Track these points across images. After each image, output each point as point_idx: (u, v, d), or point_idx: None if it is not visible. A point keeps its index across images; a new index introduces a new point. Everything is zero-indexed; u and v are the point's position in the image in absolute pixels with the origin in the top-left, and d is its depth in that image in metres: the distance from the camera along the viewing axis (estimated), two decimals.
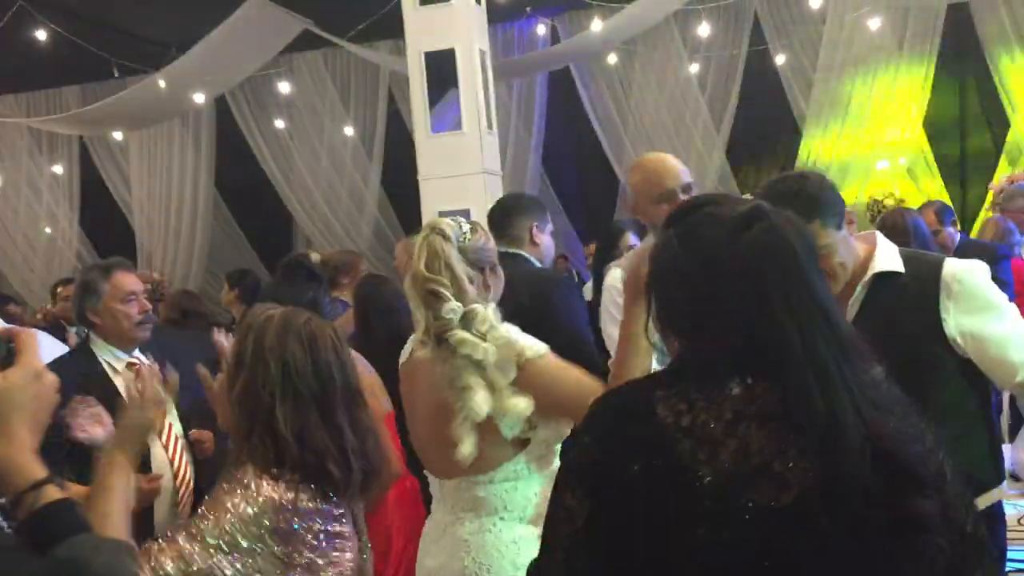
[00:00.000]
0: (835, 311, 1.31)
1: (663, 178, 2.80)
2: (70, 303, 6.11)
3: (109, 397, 2.98)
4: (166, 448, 3.07)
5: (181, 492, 3.08)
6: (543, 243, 3.49)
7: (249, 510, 1.71)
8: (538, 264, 3.49)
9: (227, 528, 1.68)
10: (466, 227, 2.25)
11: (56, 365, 3.09)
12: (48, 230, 10.83)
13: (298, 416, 1.79)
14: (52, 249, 10.81)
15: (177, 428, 3.12)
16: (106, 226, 10.82)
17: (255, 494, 1.72)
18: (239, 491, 1.73)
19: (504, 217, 3.53)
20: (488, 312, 2.12)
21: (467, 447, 2.06)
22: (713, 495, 1.24)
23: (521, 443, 2.15)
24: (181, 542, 1.68)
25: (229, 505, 1.71)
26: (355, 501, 1.90)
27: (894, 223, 4.43)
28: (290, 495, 1.74)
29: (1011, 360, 2.16)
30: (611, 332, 2.63)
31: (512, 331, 2.13)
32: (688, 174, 2.93)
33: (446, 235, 2.16)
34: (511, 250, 3.40)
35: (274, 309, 1.92)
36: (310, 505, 1.75)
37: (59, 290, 6.48)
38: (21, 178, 10.73)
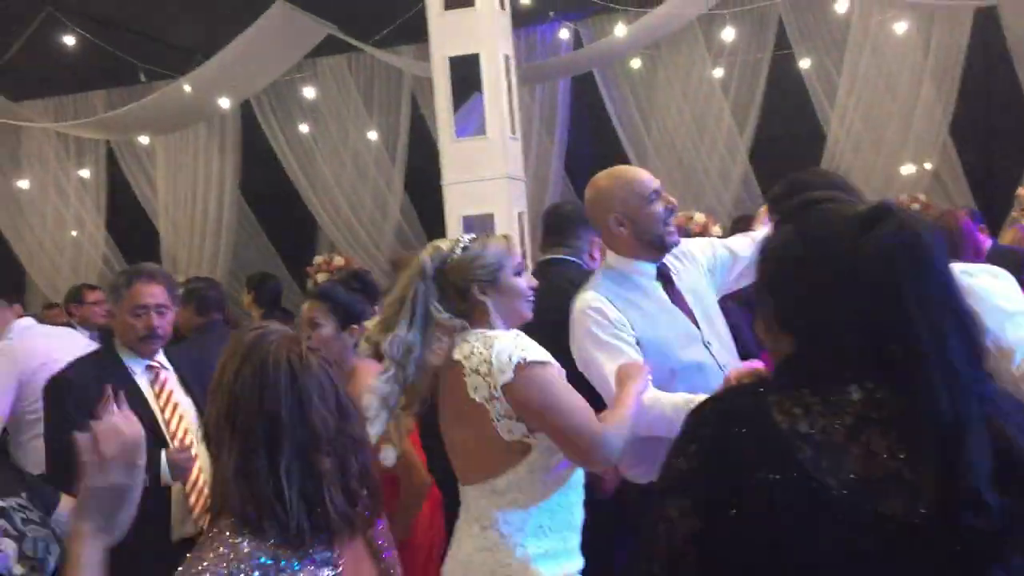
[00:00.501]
0: (968, 314, 1.23)
1: (644, 179, 2.77)
2: (98, 309, 6.21)
3: (132, 398, 3.01)
4: (183, 451, 3.06)
5: (194, 501, 3.06)
6: (598, 259, 3.49)
7: (224, 569, 1.50)
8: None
9: None
10: (460, 246, 2.32)
11: (81, 363, 3.14)
12: (75, 233, 10.93)
13: (242, 457, 1.56)
14: (78, 252, 10.91)
15: (194, 435, 3.10)
16: (132, 229, 10.91)
17: (231, 553, 1.51)
18: (219, 548, 1.53)
19: (565, 226, 3.56)
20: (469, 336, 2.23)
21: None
22: (841, 505, 1.17)
23: (523, 451, 2.17)
24: None
25: (206, 567, 1.51)
26: (340, 544, 1.63)
27: (947, 227, 4.35)
28: (269, 549, 1.52)
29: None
30: (595, 356, 2.61)
31: (510, 338, 2.20)
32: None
33: (423, 271, 2.28)
34: (569, 258, 3.49)
35: (260, 329, 1.69)
36: (294, 555, 1.53)
37: (87, 295, 6.50)
38: (49, 182, 10.84)
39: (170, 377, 3.21)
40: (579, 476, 2.27)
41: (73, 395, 2.92)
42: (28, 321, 4.01)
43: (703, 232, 6.87)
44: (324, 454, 1.58)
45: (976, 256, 4.38)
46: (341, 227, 10.24)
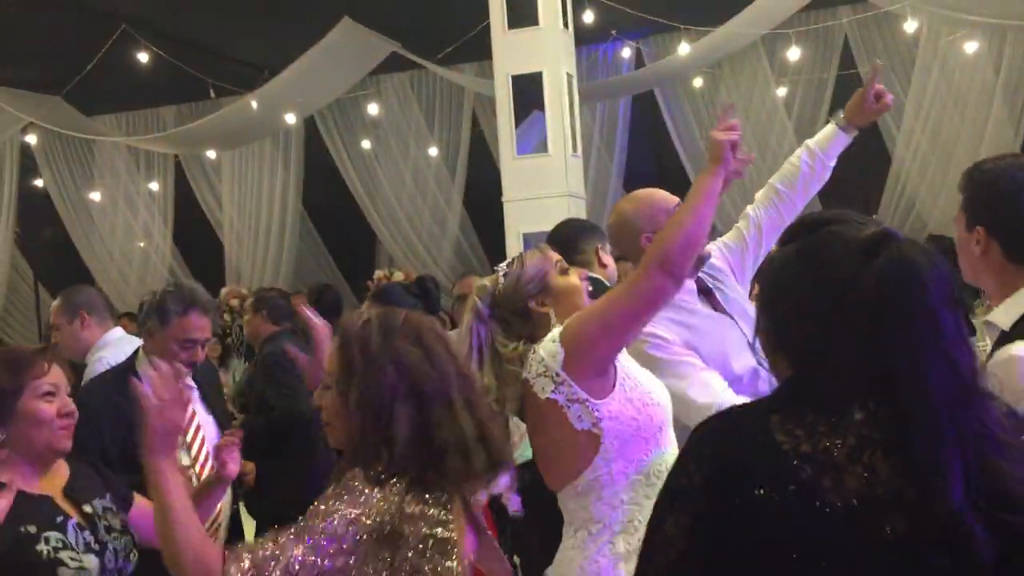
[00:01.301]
0: (958, 348, 1.22)
1: (665, 197, 2.81)
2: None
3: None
4: (193, 465, 3.05)
5: (217, 515, 3.00)
6: (610, 265, 3.53)
7: (355, 513, 1.66)
8: (608, 285, 3.48)
9: (334, 532, 1.65)
10: (501, 275, 2.37)
11: (103, 382, 3.10)
12: (142, 244, 11.20)
13: (421, 415, 1.74)
14: (146, 264, 11.17)
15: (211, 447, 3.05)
16: (197, 242, 11.15)
17: (362, 499, 1.68)
18: (346, 496, 1.69)
19: (570, 241, 3.54)
20: (534, 349, 2.24)
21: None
22: (842, 524, 1.19)
23: (595, 444, 2.18)
24: (284, 544, 1.65)
25: (337, 509, 1.67)
26: (474, 493, 1.83)
27: None
28: (396, 499, 1.68)
29: None
30: (667, 382, 2.52)
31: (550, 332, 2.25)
32: None
33: (479, 314, 2.32)
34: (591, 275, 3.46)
35: (366, 312, 1.88)
36: (416, 510, 1.69)
37: (234, 302, 6.48)
38: (119, 195, 11.12)
39: (193, 396, 3.14)
40: (664, 466, 2.21)
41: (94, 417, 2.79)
42: (119, 332, 3.89)
43: None
44: (458, 404, 1.78)
45: None
46: (400, 242, 10.34)
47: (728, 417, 1.39)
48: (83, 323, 3.76)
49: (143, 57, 8.35)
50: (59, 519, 2.11)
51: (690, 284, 2.73)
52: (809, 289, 1.29)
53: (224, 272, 10.91)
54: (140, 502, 2.36)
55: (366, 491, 1.69)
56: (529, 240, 6.33)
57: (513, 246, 6.37)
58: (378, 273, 9.84)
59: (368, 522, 1.66)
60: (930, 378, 1.20)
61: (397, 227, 10.37)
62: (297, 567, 1.62)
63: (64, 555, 2.07)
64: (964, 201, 2.06)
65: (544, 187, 6.34)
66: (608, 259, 3.53)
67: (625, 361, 2.27)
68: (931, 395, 1.20)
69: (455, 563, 1.70)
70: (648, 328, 2.58)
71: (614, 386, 2.20)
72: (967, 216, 2.04)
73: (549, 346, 2.19)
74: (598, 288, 3.38)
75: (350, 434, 1.78)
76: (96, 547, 2.14)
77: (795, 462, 1.22)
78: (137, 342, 3.51)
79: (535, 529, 3.06)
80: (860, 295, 1.24)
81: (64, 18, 8.04)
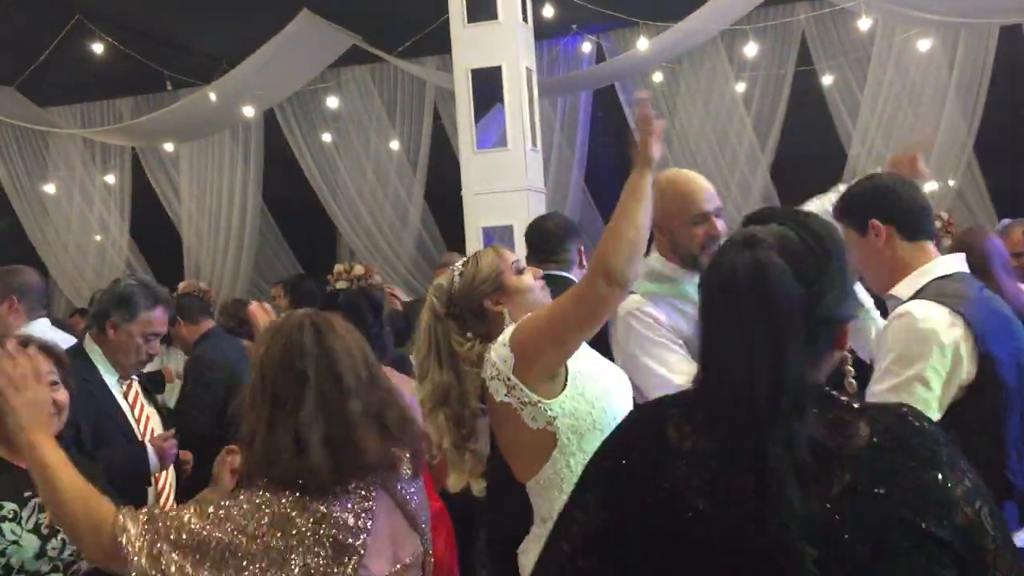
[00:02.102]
0: (790, 358, 1.21)
1: (699, 199, 2.75)
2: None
3: (111, 407, 3.06)
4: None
5: (162, 501, 3.08)
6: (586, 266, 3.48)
7: (240, 519, 1.68)
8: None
9: (224, 538, 1.66)
10: (457, 273, 2.39)
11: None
12: (99, 238, 11.05)
13: (269, 418, 1.74)
14: (102, 257, 11.02)
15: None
16: (155, 235, 11.02)
17: (246, 504, 1.69)
18: (231, 502, 1.71)
19: (554, 242, 3.52)
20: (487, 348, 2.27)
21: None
22: (702, 526, 1.21)
23: (551, 441, 2.20)
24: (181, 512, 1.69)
25: (224, 514, 1.69)
26: (379, 485, 1.82)
27: (971, 244, 4.27)
28: (276, 501, 1.69)
29: None
30: (645, 362, 2.60)
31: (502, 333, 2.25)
32: (717, 197, 2.81)
33: (435, 312, 2.35)
34: (561, 273, 3.44)
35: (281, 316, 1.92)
36: (295, 511, 1.69)
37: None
38: (75, 187, 10.96)
39: (134, 384, 3.23)
40: None
41: None
42: (45, 324, 3.78)
43: None
44: (354, 398, 1.75)
45: (1006, 271, 4.27)
46: (361, 236, 10.30)
47: (644, 406, 1.46)
48: (10, 307, 3.65)
49: (99, 48, 8.24)
50: (26, 494, 2.22)
51: (689, 273, 2.73)
52: (702, 286, 1.36)
53: (183, 266, 10.80)
54: None
55: (246, 494, 1.71)
56: (490, 233, 6.35)
57: (473, 240, 6.38)
58: (338, 267, 9.83)
59: (249, 525, 1.66)
60: (753, 381, 1.21)
61: (358, 220, 10.32)
62: (193, 533, 1.64)
63: (6, 526, 2.18)
64: (848, 217, 2.38)
65: (504, 181, 6.36)
66: (587, 261, 3.47)
67: (578, 355, 2.27)
68: (755, 396, 1.20)
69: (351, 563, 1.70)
70: (645, 306, 2.63)
71: (566, 384, 2.22)
72: (856, 220, 2.35)
73: (500, 350, 2.21)
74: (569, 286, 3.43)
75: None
76: (46, 531, 2.23)
77: (675, 459, 1.25)
78: (61, 338, 3.48)
79: None
80: (706, 295, 1.32)
81: (18, 7, 7.90)
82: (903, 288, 2.33)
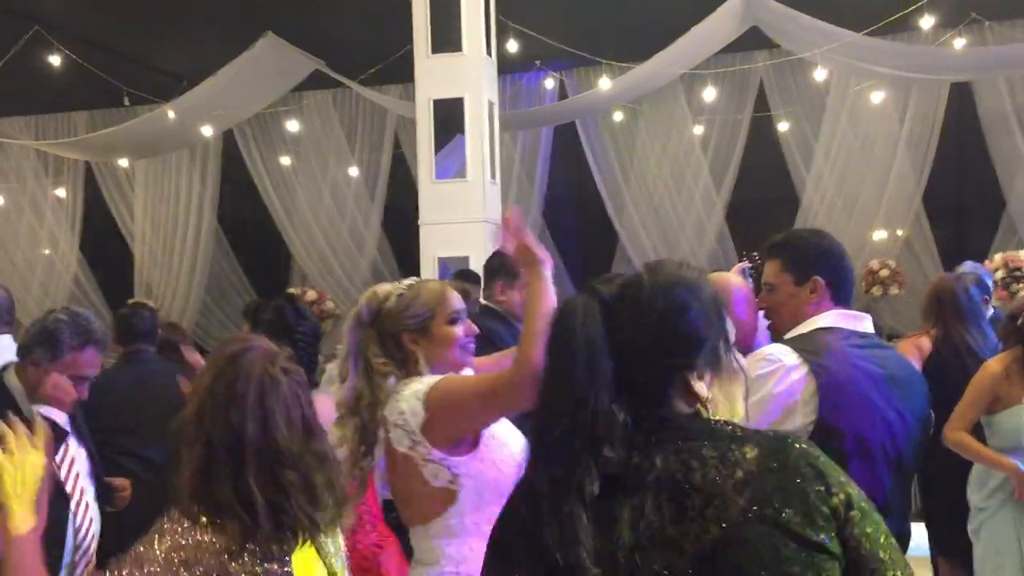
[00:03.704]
0: (580, 395, 1.33)
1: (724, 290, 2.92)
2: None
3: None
4: (70, 499, 2.83)
5: (87, 546, 2.85)
6: (510, 299, 3.99)
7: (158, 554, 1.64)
8: (512, 321, 3.94)
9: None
10: (396, 293, 2.36)
11: None
12: (47, 252, 10.85)
13: (204, 462, 1.69)
14: (50, 271, 10.82)
15: (89, 494, 2.91)
16: (106, 252, 10.85)
17: (169, 534, 1.66)
18: (160, 531, 1.67)
19: (484, 280, 4.25)
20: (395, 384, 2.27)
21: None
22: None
23: (450, 498, 2.18)
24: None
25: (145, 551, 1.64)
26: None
27: (947, 290, 4.37)
28: (199, 538, 1.65)
29: None
30: None
31: (416, 381, 2.25)
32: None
33: (359, 318, 2.34)
34: (490, 305, 4.10)
35: (243, 342, 1.83)
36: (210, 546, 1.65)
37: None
38: (25, 199, 10.76)
39: (67, 424, 2.94)
40: None
41: None
42: (7, 340, 3.62)
43: None
44: (289, 468, 1.70)
45: (972, 319, 4.37)
46: (316, 261, 10.23)
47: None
48: None
49: (56, 60, 8.13)
50: None
51: None
52: None
53: (133, 285, 10.63)
54: None
55: (194, 535, 1.66)
56: (446, 264, 6.35)
57: (428, 270, 6.37)
58: (291, 291, 9.74)
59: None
60: (562, 426, 1.35)
61: (314, 245, 10.25)
62: None
63: None
64: (786, 262, 2.51)
65: (461, 212, 6.38)
66: (510, 292, 3.97)
67: None
68: (559, 438, 1.35)
69: None
70: None
71: (475, 445, 2.19)
72: (797, 271, 2.48)
73: (412, 402, 2.17)
74: (491, 316, 3.80)
75: None
76: None
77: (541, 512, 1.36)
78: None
79: None
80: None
81: None
82: (791, 334, 2.50)
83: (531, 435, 1.44)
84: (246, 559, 1.64)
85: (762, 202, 9.74)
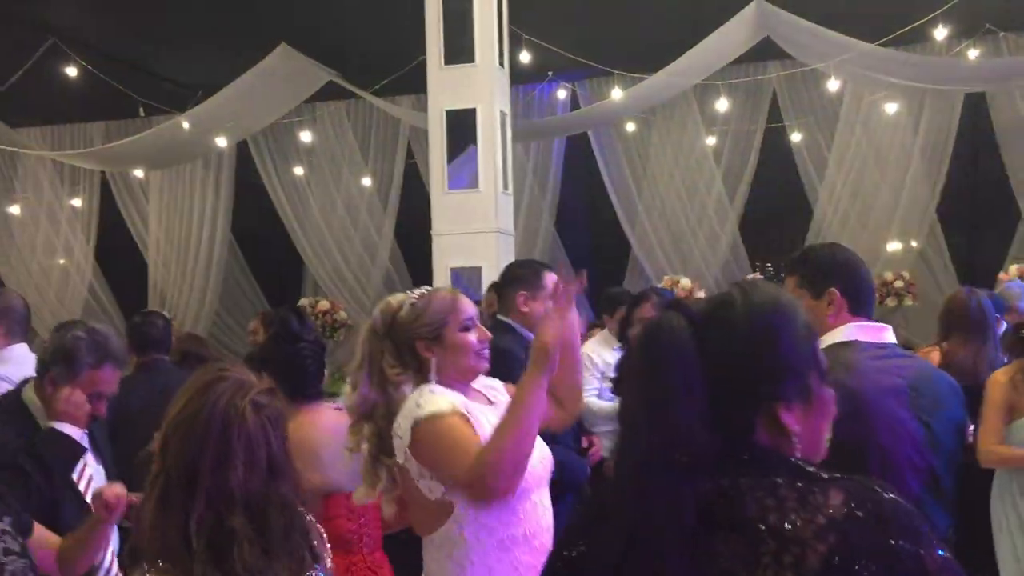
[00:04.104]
0: (673, 421, 1.22)
1: None
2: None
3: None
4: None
5: (108, 566, 2.81)
6: (532, 311, 3.65)
7: None
8: (524, 332, 3.67)
9: None
10: (409, 302, 2.36)
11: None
12: (62, 261, 10.91)
13: (162, 498, 1.63)
14: (65, 281, 10.89)
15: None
16: (121, 261, 10.91)
17: None
18: None
19: (500, 289, 3.91)
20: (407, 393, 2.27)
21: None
22: None
23: (447, 509, 2.19)
24: None
25: None
26: None
27: (960, 304, 4.39)
28: None
29: None
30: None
31: (414, 398, 2.23)
32: None
33: (374, 328, 2.35)
34: (504, 319, 3.76)
35: (219, 372, 1.74)
36: None
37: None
38: (41, 210, 10.85)
39: (85, 442, 2.88)
40: (523, 532, 2.24)
41: None
42: (23, 349, 3.61)
43: (688, 297, 6.92)
44: (237, 513, 1.61)
45: (979, 335, 4.38)
46: (329, 271, 10.26)
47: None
48: None
49: (72, 71, 8.20)
50: None
51: None
52: None
53: (147, 295, 10.68)
54: (37, 531, 2.31)
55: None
56: (458, 274, 6.35)
57: (441, 280, 6.38)
58: (303, 301, 9.78)
59: None
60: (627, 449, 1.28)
61: (327, 255, 10.29)
62: None
63: None
64: (803, 278, 2.51)
65: (474, 223, 6.38)
66: (532, 305, 3.66)
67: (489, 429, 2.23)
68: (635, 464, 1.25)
69: None
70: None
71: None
72: (813, 286, 2.47)
73: (405, 423, 2.19)
74: (506, 331, 3.57)
75: None
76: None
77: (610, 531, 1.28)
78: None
79: None
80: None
81: None
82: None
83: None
84: None
85: (775, 213, 9.72)
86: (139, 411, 4.07)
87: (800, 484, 1.21)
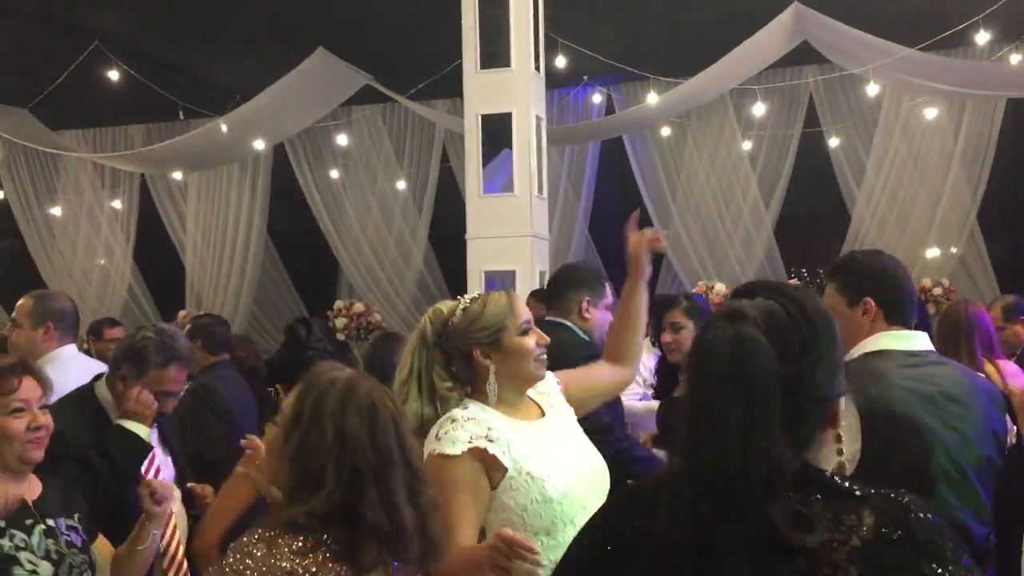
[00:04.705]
0: (764, 438, 1.19)
1: None
2: (114, 345, 6.21)
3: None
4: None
5: (173, 553, 2.91)
6: (594, 318, 3.52)
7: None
8: (583, 336, 3.51)
9: None
10: (460, 308, 2.26)
11: (69, 418, 2.81)
12: (102, 262, 11.07)
13: (351, 488, 1.69)
14: (105, 282, 11.04)
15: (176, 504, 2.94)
16: (159, 262, 11.05)
17: (273, 557, 1.63)
18: (261, 547, 1.65)
19: (556, 289, 3.64)
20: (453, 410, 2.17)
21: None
22: None
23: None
24: None
25: (247, 558, 1.64)
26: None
27: (956, 315, 4.35)
28: (312, 568, 1.63)
29: None
30: None
31: (441, 424, 2.15)
32: None
33: (424, 338, 2.24)
34: (557, 320, 3.51)
35: (340, 371, 1.82)
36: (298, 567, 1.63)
37: (106, 330, 6.54)
38: (82, 211, 11.01)
39: (154, 437, 3.02)
40: (549, 561, 2.06)
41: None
42: (72, 350, 3.76)
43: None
44: (421, 484, 1.77)
45: (1007, 348, 4.32)
46: (363, 273, 10.32)
47: (636, 485, 1.47)
48: (46, 332, 3.66)
49: (114, 75, 8.32)
50: (28, 522, 2.25)
51: None
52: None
53: (184, 294, 10.81)
54: (100, 539, 2.48)
55: (277, 545, 1.66)
56: (492, 278, 6.36)
57: (475, 284, 6.38)
58: (338, 303, 9.84)
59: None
60: (713, 469, 1.22)
61: (361, 258, 10.35)
62: None
63: (23, 555, 2.21)
64: (841, 284, 2.50)
65: (508, 227, 6.37)
66: (593, 312, 3.53)
67: (528, 452, 2.14)
68: (716, 486, 1.20)
69: None
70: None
71: (497, 485, 2.12)
72: (852, 293, 2.46)
73: (427, 447, 2.12)
74: (563, 331, 3.43)
75: (280, 477, 1.77)
76: (55, 557, 2.26)
77: (665, 539, 1.26)
78: (86, 363, 3.51)
79: None
80: (688, 375, 1.33)
81: (35, 31, 8.00)
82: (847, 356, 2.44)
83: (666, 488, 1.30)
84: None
85: (812, 218, 9.63)
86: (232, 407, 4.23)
87: (835, 503, 1.20)
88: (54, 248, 11.08)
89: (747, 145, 9.34)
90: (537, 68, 6.59)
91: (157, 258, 11.08)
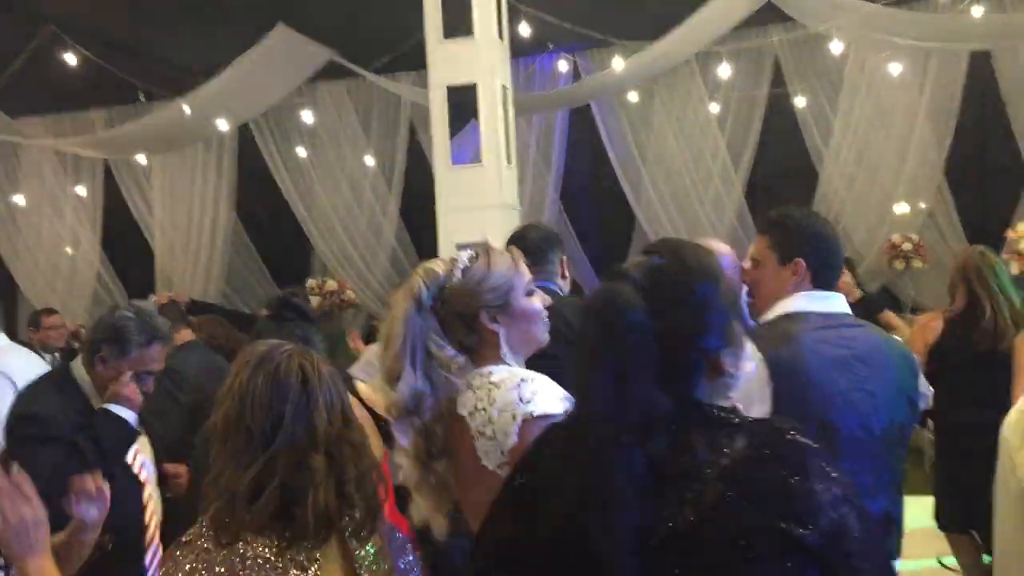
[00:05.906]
0: (632, 385, 1.27)
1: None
2: (54, 333, 6.24)
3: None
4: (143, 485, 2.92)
5: (151, 533, 2.92)
6: (568, 276, 3.47)
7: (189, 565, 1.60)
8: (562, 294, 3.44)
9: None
10: (459, 268, 2.00)
11: (45, 398, 2.85)
12: (69, 250, 10.93)
13: (249, 457, 1.64)
14: (73, 270, 10.91)
15: (152, 483, 2.97)
16: (127, 248, 10.92)
17: (193, 550, 1.62)
18: (186, 546, 1.64)
19: (539, 251, 3.43)
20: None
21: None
22: (569, 546, 1.32)
23: None
24: None
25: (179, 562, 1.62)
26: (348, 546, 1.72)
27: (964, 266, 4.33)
28: (239, 548, 1.61)
29: None
30: None
31: (512, 388, 1.92)
32: None
33: (419, 301, 1.96)
34: (544, 284, 3.25)
35: (265, 344, 1.76)
36: (259, 560, 1.61)
37: (43, 319, 6.54)
38: (45, 199, 10.86)
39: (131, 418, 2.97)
40: None
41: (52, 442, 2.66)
42: (3, 340, 3.65)
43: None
44: (319, 453, 1.66)
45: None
46: (335, 251, 10.26)
47: (550, 428, 1.57)
48: None
49: (71, 59, 8.17)
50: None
51: None
52: None
53: (154, 280, 10.70)
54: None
55: (196, 534, 1.64)
56: (464, 250, 6.33)
57: (447, 256, 6.36)
58: (311, 282, 9.79)
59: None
60: (589, 414, 1.34)
61: (332, 235, 10.29)
62: None
63: None
64: (775, 241, 2.49)
65: (478, 198, 6.35)
66: (566, 271, 3.44)
67: None
68: (590, 429, 1.31)
69: None
70: None
71: None
72: (782, 251, 2.46)
73: (506, 417, 1.85)
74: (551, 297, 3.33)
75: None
76: None
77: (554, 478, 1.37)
78: (23, 354, 3.49)
79: None
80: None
81: None
82: (764, 317, 2.49)
83: (563, 431, 1.41)
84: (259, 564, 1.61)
85: (781, 178, 9.65)
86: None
87: (712, 431, 1.30)
88: (19, 237, 10.93)
89: (715, 108, 9.34)
90: (501, 36, 6.54)
91: (124, 243, 10.95)
